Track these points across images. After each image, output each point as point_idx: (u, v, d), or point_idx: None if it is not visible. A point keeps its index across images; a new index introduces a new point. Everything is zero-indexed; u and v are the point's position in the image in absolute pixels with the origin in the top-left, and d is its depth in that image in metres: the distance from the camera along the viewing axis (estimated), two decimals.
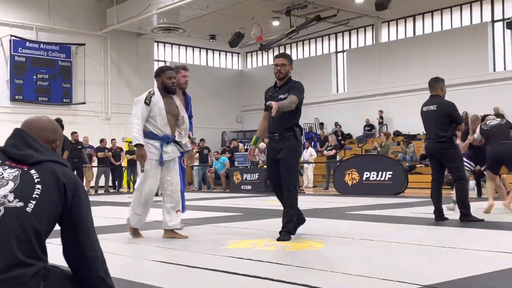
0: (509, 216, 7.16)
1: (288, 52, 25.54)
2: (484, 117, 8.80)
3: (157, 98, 5.23)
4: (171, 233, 5.28)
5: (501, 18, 19.20)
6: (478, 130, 8.06)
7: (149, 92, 5.28)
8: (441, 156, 6.63)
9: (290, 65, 5.25)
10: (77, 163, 13.55)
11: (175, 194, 5.30)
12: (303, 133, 5.47)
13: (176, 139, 5.39)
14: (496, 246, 4.59)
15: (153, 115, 5.17)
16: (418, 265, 3.78)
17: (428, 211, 7.30)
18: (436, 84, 6.82)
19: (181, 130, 5.46)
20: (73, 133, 14.25)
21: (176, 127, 5.40)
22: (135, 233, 5.33)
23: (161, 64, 24.64)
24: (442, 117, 6.58)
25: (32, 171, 1.94)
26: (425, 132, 7.05)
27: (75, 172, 13.40)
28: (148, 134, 5.16)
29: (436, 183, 6.79)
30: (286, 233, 5.01)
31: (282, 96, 5.08)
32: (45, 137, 2.09)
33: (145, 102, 5.17)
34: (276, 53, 25.55)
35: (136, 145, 5.08)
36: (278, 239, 4.93)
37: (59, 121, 11.15)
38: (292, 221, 5.07)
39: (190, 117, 6.25)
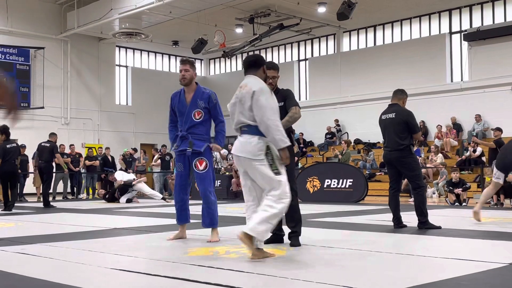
0: (466, 223, 7.34)
1: None
2: None
3: None
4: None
5: (458, 30, 19.73)
6: None
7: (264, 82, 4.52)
8: (399, 164, 6.75)
9: (276, 74, 5.21)
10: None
11: None
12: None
13: None
14: (452, 253, 4.69)
15: None
16: (377, 272, 3.83)
17: (387, 218, 7.41)
18: (400, 94, 6.97)
19: None
20: (53, 134, 13.44)
21: None
22: (262, 253, 4.32)
23: (122, 69, 24.37)
24: (400, 125, 6.71)
25: None
26: (383, 140, 7.16)
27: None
28: None
29: (394, 191, 6.90)
30: (297, 237, 5.10)
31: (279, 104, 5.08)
32: None
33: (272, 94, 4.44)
34: (239, 60, 25.65)
35: (282, 148, 4.33)
36: (291, 245, 5.03)
37: (5, 128, 10.85)
38: (299, 223, 5.13)
39: (220, 122, 5.61)
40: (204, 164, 5.50)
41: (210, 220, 5.58)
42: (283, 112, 5.05)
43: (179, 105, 5.63)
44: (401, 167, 6.75)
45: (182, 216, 5.74)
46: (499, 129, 13.60)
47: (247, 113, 4.39)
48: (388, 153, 6.84)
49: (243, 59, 4.78)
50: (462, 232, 6.36)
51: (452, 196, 12.10)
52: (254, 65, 4.60)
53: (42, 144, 12.96)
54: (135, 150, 20.24)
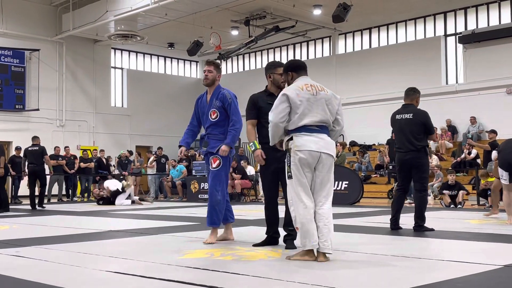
0: (461, 225, 7.35)
1: (246, 61, 25.62)
2: None
3: None
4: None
5: (453, 32, 19.79)
6: None
7: None
8: (415, 165, 6.64)
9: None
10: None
11: None
12: None
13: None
14: (447, 255, 4.70)
15: None
16: (373, 273, 3.83)
17: (383, 220, 7.42)
18: (413, 94, 6.95)
19: None
20: (37, 138, 13.31)
21: None
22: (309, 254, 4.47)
23: (118, 71, 24.34)
24: (417, 126, 6.65)
25: None
26: (396, 141, 6.94)
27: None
28: None
29: (402, 193, 6.88)
30: (292, 241, 5.11)
31: None
32: None
33: None
34: (235, 62, 25.65)
35: None
36: (286, 248, 5.04)
37: None
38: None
39: (234, 121, 5.54)
40: (217, 162, 5.51)
41: (213, 219, 5.51)
42: None
43: (201, 106, 5.74)
44: (415, 168, 6.65)
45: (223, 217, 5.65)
46: (494, 132, 13.64)
47: (332, 115, 4.50)
48: (403, 155, 6.71)
49: (289, 60, 4.82)
50: (457, 234, 6.37)
51: (447, 198, 12.13)
52: (306, 69, 4.66)
53: (30, 148, 13.01)
54: (130, 152, 20.21)
